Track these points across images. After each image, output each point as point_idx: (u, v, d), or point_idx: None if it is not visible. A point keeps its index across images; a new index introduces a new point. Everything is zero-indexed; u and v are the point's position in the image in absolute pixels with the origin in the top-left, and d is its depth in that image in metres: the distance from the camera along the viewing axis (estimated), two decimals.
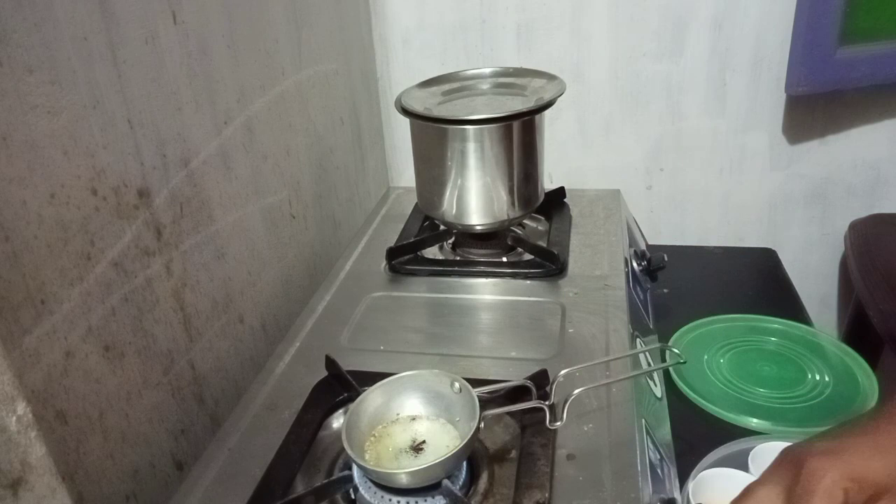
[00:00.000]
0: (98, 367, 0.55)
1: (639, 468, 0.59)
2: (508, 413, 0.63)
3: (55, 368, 0.51)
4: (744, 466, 0.67)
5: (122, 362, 0.58)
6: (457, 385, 0.61)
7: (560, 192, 1.06)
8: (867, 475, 0.40)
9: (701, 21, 1.13)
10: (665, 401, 0.78)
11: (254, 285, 0.80)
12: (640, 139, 1.24)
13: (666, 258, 0.96)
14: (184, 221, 0.67)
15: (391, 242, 0.96)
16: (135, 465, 0.60)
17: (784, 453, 0.44)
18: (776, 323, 0.94)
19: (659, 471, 0.62)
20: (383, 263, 0.92)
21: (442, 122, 0.87)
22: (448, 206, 0.92)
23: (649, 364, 0.75)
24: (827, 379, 0.84)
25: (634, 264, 0.93)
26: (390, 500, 0.57)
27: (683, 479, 0.66)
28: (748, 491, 0.44)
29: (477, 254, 0.95)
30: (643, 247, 1.05)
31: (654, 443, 0.64)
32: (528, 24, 1.17)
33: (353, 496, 0.59)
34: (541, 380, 0.64)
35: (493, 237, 0.95)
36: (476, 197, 0.91)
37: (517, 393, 0.63)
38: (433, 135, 0.90)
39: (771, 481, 0.43)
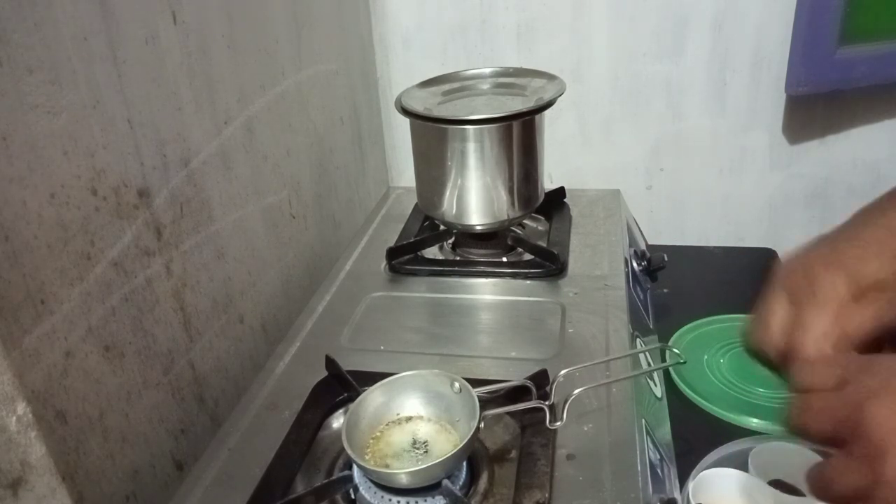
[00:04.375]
0: (98, 367, 0.55)
1: (639, 468, 0.59)
2: (508, 413, 0.63)
3: (55, 368, 0.51)
4: (744, 466, 0.67)
5: (122, 362, 0.58)
6: (457, 385, 0.61)
7: (560, 192, 1.06)
8: (864, 277, 0.46)
9: (701, 21, 1.13)
10: (665, 401, 0.77)
11: (254, 285, 0.80)
12: (640, 139, 1.24)
13: (666, 258, 0.96)
14: (184, 221, 0.67)
15: (391, 242, 0.96)
16: (135, 465, 0.60)
17: (788, 264, 0.50)
18: None
19: (659, 471, 0.62)
20: (383, 263, 0.92)
21: (442, 122, 0.87)
22: (448, 206, 0.92)
23: (649, 364, 0.75)
24: None
25: (634, 264, 0.93)
26: (390, 500, 0.57)
27: (683, 479, 0.66)
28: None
29: (477, 254, 0.95)
30: (643, 247, 1.05)
31: (654, 443, 0.64)
32: (528, 24, 1.17)
33: (353, 496, 0.59)
34: (541, 380, 0.64)
35: (493, 237, 0.95)
36: (476, 197, 0.91)
37: (517, 393, 0.63)
38: (433, 135, 0.90)
39: (780, 288, 0.49)
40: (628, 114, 1.22)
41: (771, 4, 1.10)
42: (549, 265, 0.87)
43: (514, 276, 0.89)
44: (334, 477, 0.60)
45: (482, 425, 0.58)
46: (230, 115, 0.74)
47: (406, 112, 0.89)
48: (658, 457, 0.64)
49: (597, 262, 0.89)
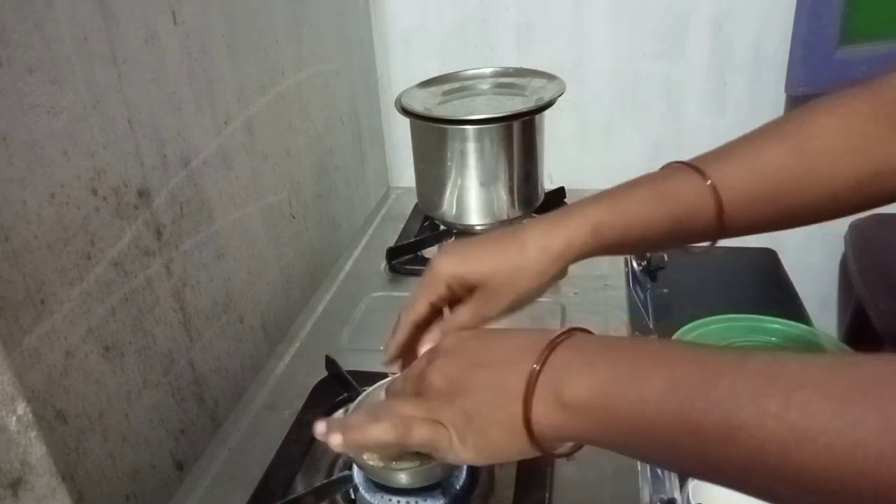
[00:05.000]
0: (98, 367, 0.55)
1: (639, 468, 0.59)
2: None
3: (55, 368, 0.51)
4: None
5: (122, 362, 0.58)
6: None
7: (560, 192, 1.06)
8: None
9: (701, 21, 1.13)
10: None
11: (254, 285, 0.80)
12: (640, 139, 1.24)
13: (666, 258, 0.96)
14: (184, 221, 0.67)
15: (391, 242, 0.96)
16: (135, 465, 0.60)
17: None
18: (776, 323, 0.94)
19: (659, 471, 0.62)
20: (383, 263, 0.92)
21: (442, 122, 0.87)
22: (448, 206, 0.92)
23: None
24: None
25: (634, 264, 0.93)
26: (390, 500, 0.57)
27: (684, 479, 0.66)
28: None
29: None
30: None
31: None
32: (528, 24, 1.17)
33: (353, 496, 0.59)
34: None
35: None
36: (476, 197, 0.91)
37: None
38: (433, 135, 0.90)
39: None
40: (628, 114, 1.22)
41: (771, 4, 1.10)
42: None
43: None
44: (334, 477, 0.60)
45: None
46: (230, 115, 0.74)
47: (406, 112, 0.89)
48: None
49: (597, 262, 0.88)
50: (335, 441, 0.45)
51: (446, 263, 0.52)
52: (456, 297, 0.53)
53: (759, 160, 0.52)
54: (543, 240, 0.51)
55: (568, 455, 0.42)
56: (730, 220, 0.51)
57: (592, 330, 0.43)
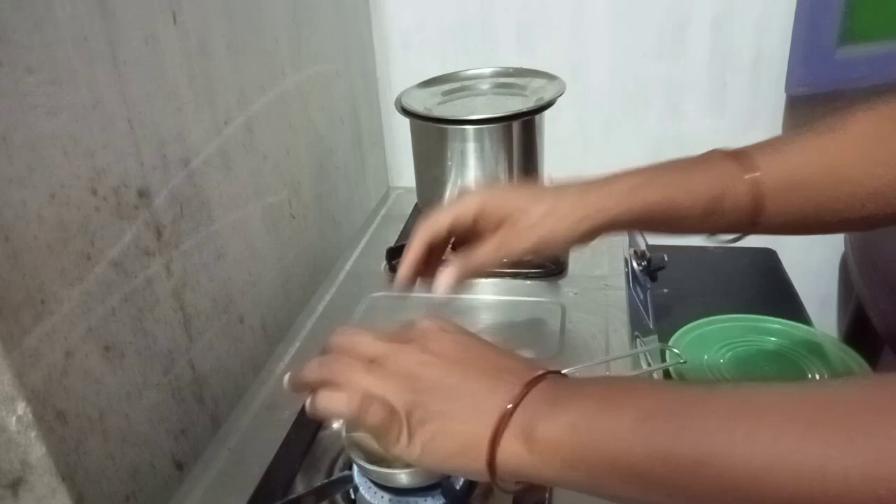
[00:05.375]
0: (98, 367, 0.55)
1: None
2: None
3: (55, 368, 0.51)
4: None
5: (122, 362, 0.58)
6: None
7: None
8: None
9: (701, 21, 1.13)
10: None
11: (254, 285, 0.80)
12: (640, 139, 1.24)
13: (666, 258, 0.96)
14: (184, 221, 0.67)
15: (391, 242, 0.96)
16: (135, 465, 0.60)
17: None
18: (776, 323, 0.94)
19: None
20: (383, 263, 0.92)
21: (442, 122, 0.87)
22: None
23: (649, 364, 0.75)
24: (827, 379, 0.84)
25: (634, 264, 0.93)
26: (390, 500, 0.57)
27: None
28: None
29: None
30: (643, 247, 1.05)
31: None
32: (528, 24, 1.17)
33: (353, 496, 0.59)
34: None
35: None
36: None
37: None
38: (433, 135, 0.90)
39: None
40: (628, 114, 1.22)
41: (771, 4, 1.10)
42: (549, 265, 0.87)
43: (514, 276, 0.89)
44: (334, 477, 0.60)
45: None
46: (230, 115, 0.74)
47: (406, 112, 0.89)
48: None
49: (597, 262, 0.89)
50: (306, 403, 0.45)
51: (482, 192, 0.52)
52: (477, 231, 0.52)
53: (792, 156, 0.53)
54: (581, 195, 0.51)
55: (512, 492, 0.42)
56: (765, 212, 0.51)
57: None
